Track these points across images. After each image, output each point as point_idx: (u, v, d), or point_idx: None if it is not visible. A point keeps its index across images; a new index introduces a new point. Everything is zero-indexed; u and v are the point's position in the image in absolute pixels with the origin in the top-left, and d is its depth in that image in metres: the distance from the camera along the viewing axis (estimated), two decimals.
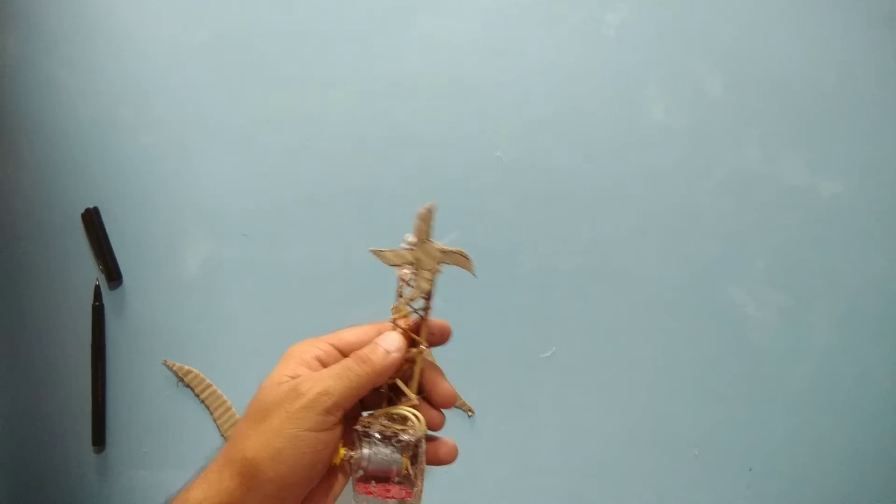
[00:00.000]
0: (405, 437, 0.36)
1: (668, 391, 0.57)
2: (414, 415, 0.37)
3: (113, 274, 0.55)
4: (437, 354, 0.41)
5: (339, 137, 0.57)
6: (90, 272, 0.56)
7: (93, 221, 0.55)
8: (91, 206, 0.56)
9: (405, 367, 0.38)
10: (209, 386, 0.55)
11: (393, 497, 0.36)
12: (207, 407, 0.55)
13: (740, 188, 0.58)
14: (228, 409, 0.55)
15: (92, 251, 0.56)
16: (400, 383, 0.38)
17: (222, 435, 0.55)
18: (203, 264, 0.56)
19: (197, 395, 0.55)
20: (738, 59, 0.59)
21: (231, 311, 0.56)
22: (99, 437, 0.54)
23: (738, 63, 0.59)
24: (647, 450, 0.57)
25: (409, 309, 0.38)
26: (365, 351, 0.37)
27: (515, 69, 0.58)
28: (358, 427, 0.37)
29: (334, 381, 0.35)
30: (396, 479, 0.36)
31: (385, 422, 0.37)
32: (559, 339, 0.57)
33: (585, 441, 0.56)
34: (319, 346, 0.39)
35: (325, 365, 0.38)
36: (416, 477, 0.37)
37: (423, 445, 0.37)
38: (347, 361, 0.37)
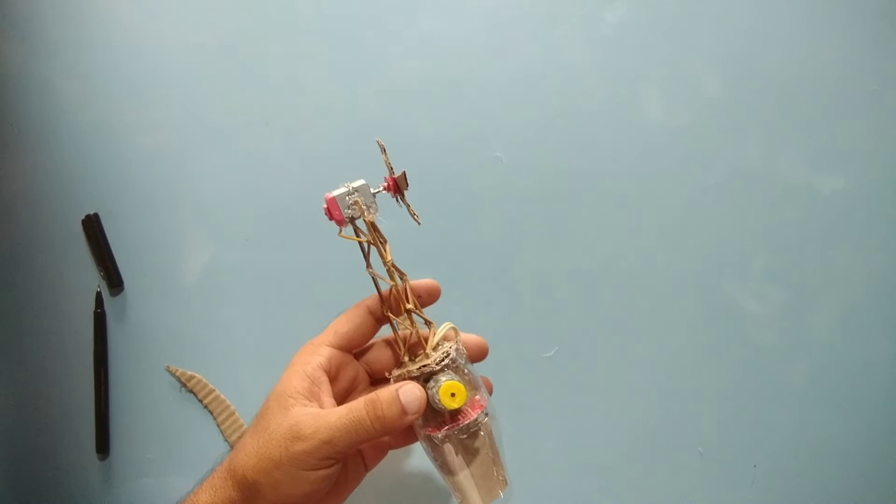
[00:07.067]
0: (445, 362, 0.38)
1: (671, 389, 0.57)
2: (442, 335, 0.40)
3: (114, 280, 0.55)
4: None
5: (340, 139, 0.57)
6: (91, 279, 0.55)
7: (93, 228, 0.55)
8: (91, 213, 0.55)
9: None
10: (212, 391, 0.55)
11: (479, 408, 0.39)
12: (211, 412, 0.55)
13: (740, 186, 0.58)
14: (232, 414, 0.55)
15: (93, 258, 0.56)
16: (412, 329, 0.41)
17: (226, 440, 0.55)
18: (204, 269, 0.56)
19: (200, 401, 0.55)
20: (736, 56, 0.59)
21: (233, 315, 0.56)
22: (102, 445, 0.54)
23: (737, 60, 0.59)
24: (651, 448, 0.57)
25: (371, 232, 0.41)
26: (383, 405, 0.35)
27: (514, 69, 0.58)
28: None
29: (341, 434, 0.34)
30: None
31: (418, 366, 0.38)
32: (561, 339, 0.57)
33: (589, 440, 0.56)
34: (320, 352, 0.39)
35: (328, 372, 0.39)
36: (474, 384, 0.39)
37: (462, 356, 0.39)
38: (360, 413, 0.35)
